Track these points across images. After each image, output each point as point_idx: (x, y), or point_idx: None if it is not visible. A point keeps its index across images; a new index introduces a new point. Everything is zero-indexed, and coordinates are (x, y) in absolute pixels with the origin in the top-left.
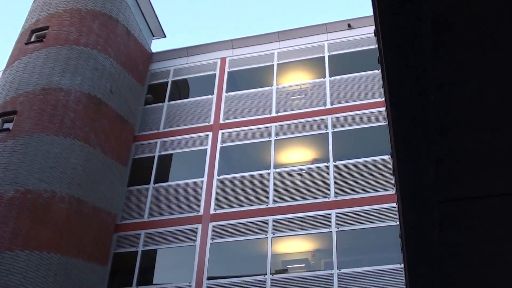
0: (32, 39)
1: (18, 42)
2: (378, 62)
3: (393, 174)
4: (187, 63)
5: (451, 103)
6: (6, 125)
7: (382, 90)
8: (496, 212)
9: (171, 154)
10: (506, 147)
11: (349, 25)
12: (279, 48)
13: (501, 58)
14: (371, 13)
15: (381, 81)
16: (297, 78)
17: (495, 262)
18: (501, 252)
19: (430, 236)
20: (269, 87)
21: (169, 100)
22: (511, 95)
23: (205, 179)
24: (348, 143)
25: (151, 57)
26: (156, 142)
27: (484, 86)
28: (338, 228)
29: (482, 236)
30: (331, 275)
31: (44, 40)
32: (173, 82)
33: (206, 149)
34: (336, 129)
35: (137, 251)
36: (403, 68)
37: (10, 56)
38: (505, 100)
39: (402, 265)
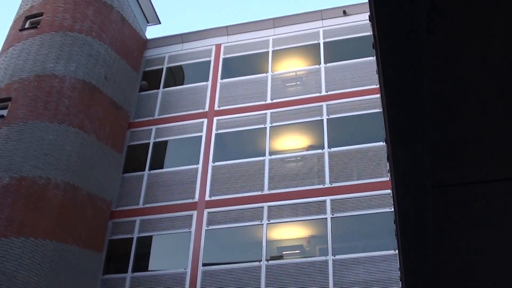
0: (27, 26)
1: (12, 28)
2: (373, 48)
3: (388, 160)
4: (182, 50)
5: (445, 89)
6: (0, 112)
7: (377, 76)
8: (489, 198)
9: (166, 141)
10: (500, 133)
11: (344, 12)
12: (274, 35)
13: (495, 46)
14: (367, 0)
15: (376, 68)
16: (292, 65)
17: (489, 248)
18: (494, 238)
19: (424, 222)
20: (264, 74)
21: (164, 87)
22: (504, 82)
23: (200, 165)
24: (343, 130)
25: (146, 43)
26: (151, 129)
27: (478, 73)
28: (333, 215)
29: (476, 221)
30: (326, 261)
31: (38, 26)
32: (168, 68)
33: (201, 135)
34: (331, 116)
35: (132, 238)
36: (398, 54)
37: (4, 43)
38: (498, 87)
39: (397, 251)
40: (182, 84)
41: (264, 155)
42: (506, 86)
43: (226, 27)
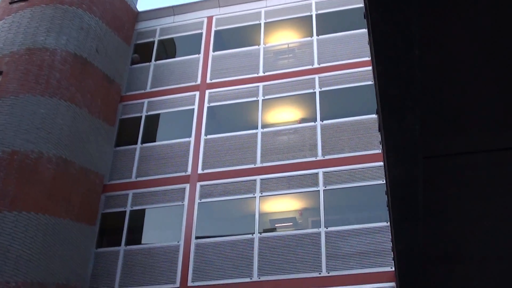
0: None
1: (2, 1)
2: (364, 18)
3: (379, 131)
4: (173, 22)
5: (436, 59)
6: None
7: (369, 48)
8: (479, 169)
9: (158, 114)
10: (490, 103)
11: None
12: (266, 7)
13: (485, 16)
14: None
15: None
16: (285, 37)
17: (479, 217)
18: (485, 207)
19: (415, 192)
20: (257, 46)
21: (155, 60)
22: (495, 52)
23: (192, 139)
24: (336, 103)
25: (137, 16)
26: (143, 102)
27: (469, 42)
28: (325, 187)
29: (466, 191)
30: (319, 233)
31: None
32: (160, 41)
33: (193, 108)
34: (323, 88)
35: (125, 211)
36: (388, 23)
37: None
38: (489, 56)
39: (389, 222)
40: (174, 57)
41: (256, 128)
42: (497, 55)
43: None
